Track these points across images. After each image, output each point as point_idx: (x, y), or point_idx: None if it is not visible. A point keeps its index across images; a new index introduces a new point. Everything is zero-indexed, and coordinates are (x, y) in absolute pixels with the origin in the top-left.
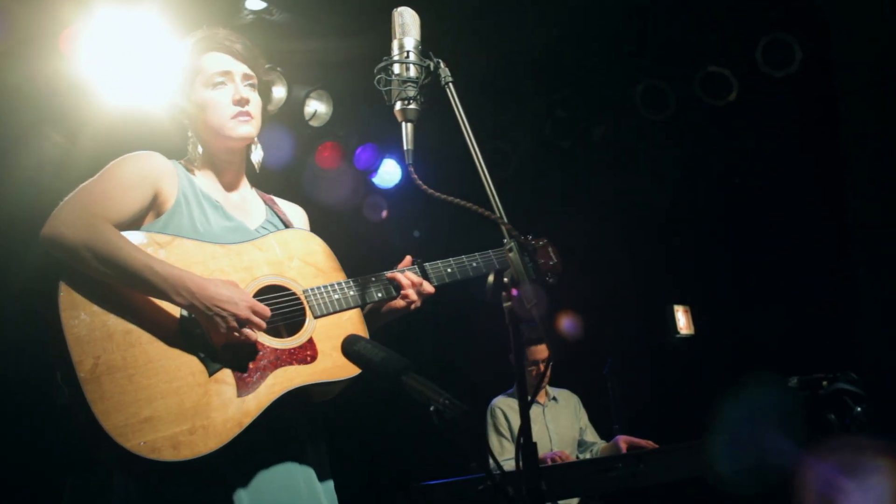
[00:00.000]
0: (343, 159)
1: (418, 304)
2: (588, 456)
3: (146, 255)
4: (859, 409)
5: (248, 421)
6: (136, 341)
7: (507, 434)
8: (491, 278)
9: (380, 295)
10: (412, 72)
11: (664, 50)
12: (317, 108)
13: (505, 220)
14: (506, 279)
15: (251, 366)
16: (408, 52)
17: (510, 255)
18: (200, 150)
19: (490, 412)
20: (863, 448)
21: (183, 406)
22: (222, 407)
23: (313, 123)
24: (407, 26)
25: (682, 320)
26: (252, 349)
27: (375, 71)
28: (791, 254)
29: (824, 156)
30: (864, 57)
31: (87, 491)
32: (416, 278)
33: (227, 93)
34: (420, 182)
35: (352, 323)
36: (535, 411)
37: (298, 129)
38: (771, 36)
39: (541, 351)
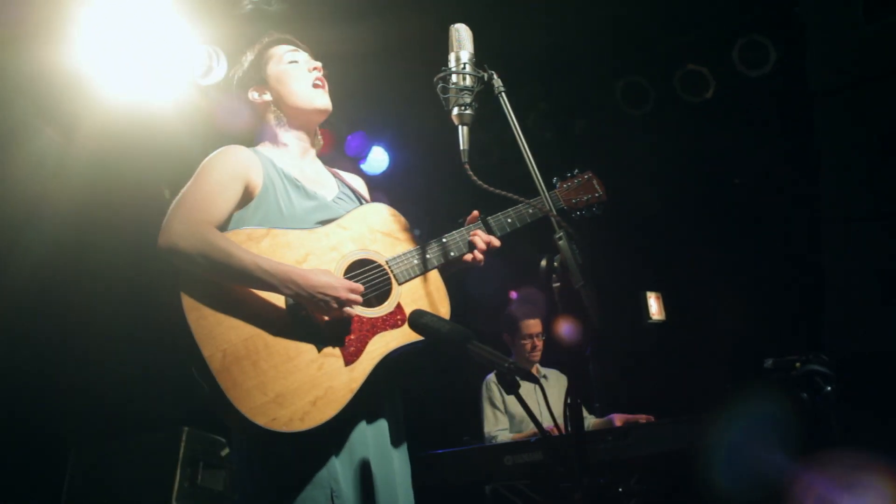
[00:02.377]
0: (334, 146)
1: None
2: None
3: (253, 255)
4: (829, 388)
5: (357, 386)
6: (254, 331)
7: (501, 407)
8: (543, 263)
9: (453, 254)
10: (468, 81)
11: (645, 48)
12: None
13: (555, 212)
14: (556, 263)
15: (352, 337)
16: (464, 63)
17: (560, 243)
18: (278, 129)
19: (485, 386)
20: (859, 463)
21: (302, 381)
22: (334, 377)
23: None
24: (463, 41)
25: (654, 306)
26: (351, 322)
27: (435, 80)
28: (765, 244)
29: (793, 150)
30: (838, 61)
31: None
32: (486, 237)
33: (302, 66)
34: (475, 177)
35: (433, 283)
36: (527, 387)
37: None
38: (747, 37)
39: (535, 325)
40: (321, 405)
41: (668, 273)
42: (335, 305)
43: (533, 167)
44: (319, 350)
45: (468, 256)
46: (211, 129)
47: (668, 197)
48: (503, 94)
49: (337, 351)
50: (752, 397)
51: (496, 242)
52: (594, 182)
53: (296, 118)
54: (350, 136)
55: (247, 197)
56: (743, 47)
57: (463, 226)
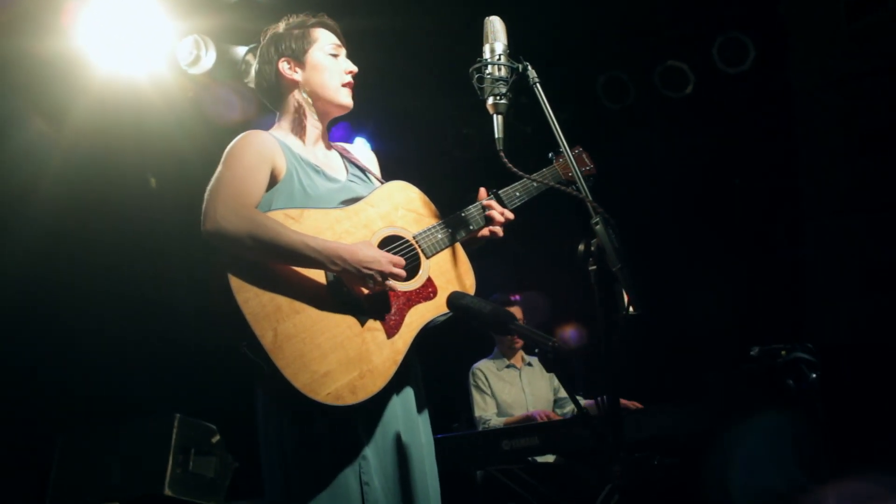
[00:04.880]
0: None
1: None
2: (568, 410)
3: (299, 233)
4: (814, 375)
5: (400, 358)
6: (300, 308)
7: (489, 391)
8: (581, 247)
9: (472, 228)
10: (503, 72)
11: (626, 44)
12: None
13: (591, 198)
14: (592, 248)
15: (392, 310)
16: (499, 55)
17: (596, 227)
18: (296, 111)
19: (471, 374)
20: (882, 486)
21: (349, 356)
22: (378, 350)
23: None
24: (497, 32)
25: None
26: (389, 296)
27: (470, 71)
28: (747, 238)
29: (772, 146)
30: (819, 59)
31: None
32: (501, 209)
33: (341, 62)
34: (510, 164)
35: (457, 256)
36: (512, 374)
37: None
38: (727, 34)
39: (515, 314)
40: (369, 378)
41: (649, 266)
42: (379, 279)
43: (569, 155)
44: (363, 324)
45: (485, 230)
46: (198, 117)
47: (649, 191)
48: (538, 84)
49: (378, 325)
50: (763, 409)
51: (510, 215)
52: (584, 156)
53: (318, 107)
54: (333, 128)
55: (272, 180)
56: (723, 44)
57: (474, 202)
